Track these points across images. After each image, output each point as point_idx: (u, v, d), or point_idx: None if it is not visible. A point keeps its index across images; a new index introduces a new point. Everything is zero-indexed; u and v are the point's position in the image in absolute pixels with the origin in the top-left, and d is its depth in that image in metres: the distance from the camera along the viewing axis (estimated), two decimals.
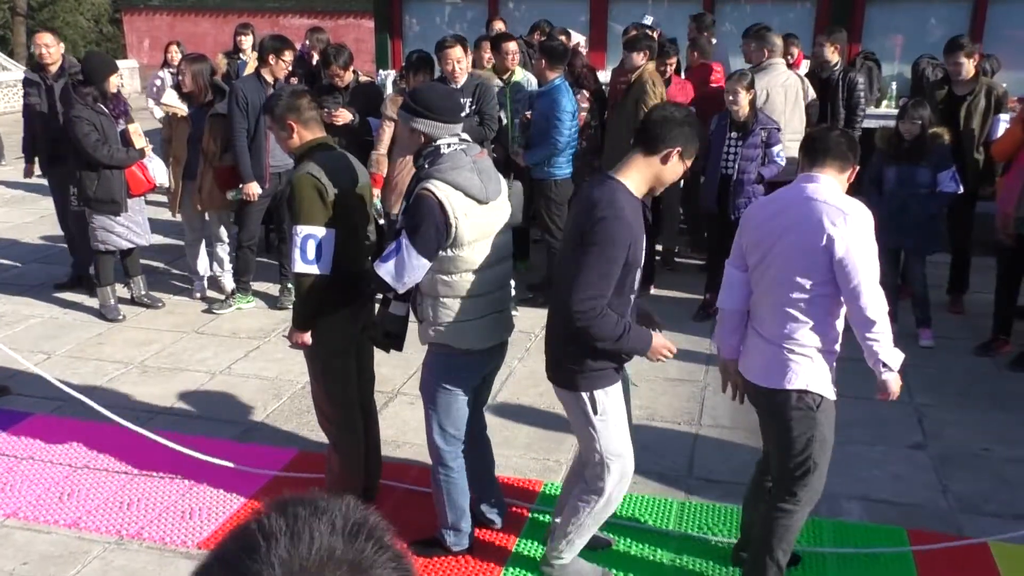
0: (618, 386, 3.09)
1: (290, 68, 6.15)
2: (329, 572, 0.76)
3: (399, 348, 3.43)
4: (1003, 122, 5.86)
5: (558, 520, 3.33)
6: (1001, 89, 6.12)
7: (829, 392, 2.95)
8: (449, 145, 3.12)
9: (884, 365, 2.87)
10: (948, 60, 6.03)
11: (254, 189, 6.00)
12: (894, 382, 2.92)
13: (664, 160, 2.90)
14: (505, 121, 6.28)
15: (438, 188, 3.03)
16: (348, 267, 3.44)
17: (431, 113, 3.12)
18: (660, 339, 3.02)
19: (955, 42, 5.99)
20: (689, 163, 2.97)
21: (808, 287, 2.83)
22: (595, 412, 3.04)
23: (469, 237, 3.08)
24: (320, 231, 3.30)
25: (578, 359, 3.00)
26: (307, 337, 3.48)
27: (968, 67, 5.94)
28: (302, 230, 3.29)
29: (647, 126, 2.93)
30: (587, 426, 3.08)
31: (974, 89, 5.97)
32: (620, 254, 2.82)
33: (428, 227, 3.00)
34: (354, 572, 0.77)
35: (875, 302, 2.80)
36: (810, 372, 2.90)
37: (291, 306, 3.68)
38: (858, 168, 3.03)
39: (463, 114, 5.88)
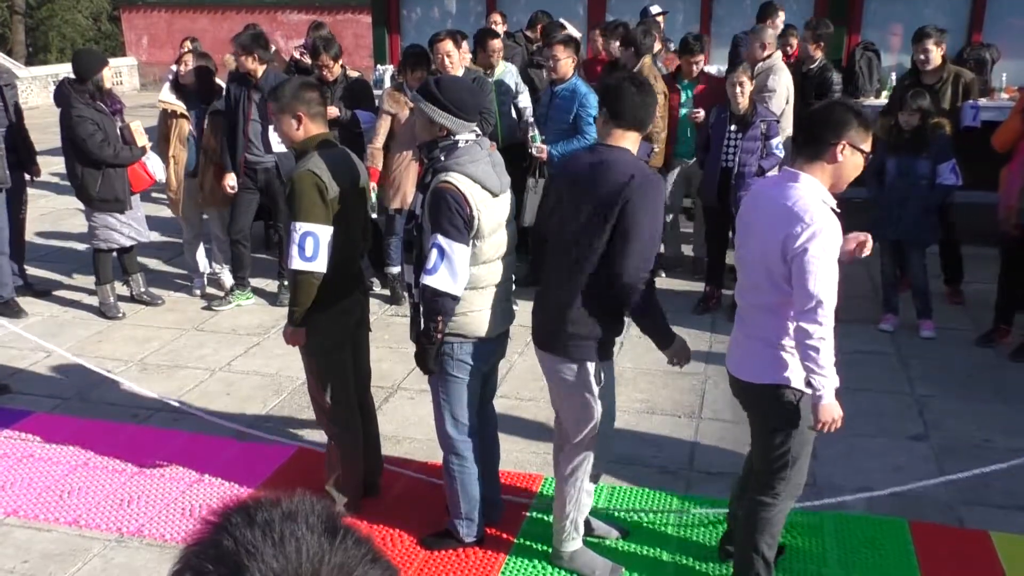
0: (611, 363, 3.19)
1: (257, 62, 5.96)
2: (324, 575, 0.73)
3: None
4: (971, 108, 5.91)
5: (554, 505, 3.37)
6: (969, 76, 6.15)
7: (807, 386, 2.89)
8: (466, 140, 3.14)
9: (810, 386, 2.74)
10: (916, 48, 6.04)
11: (228, 181, 6.03)
12: (824, 411, 2.72)
13: (640, 135, 3.12)
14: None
15: (459, 181, 3.04)
16: (344, 264, 3.43)
17: (458, 110, 3.11)
18: (682, 343, 3.13)
19: (923, 30, 6.01)
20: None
21: (777, 287, 2.78)
22: (599, 383, 3.10)
23: (487, 230, 3.10)
24: (319, 228, 3.29)
25: (585, 330, 3.05)
26: (302, 335, 3.48)
27: (936, 55, 5.97)
28: (301, 227, 3.28)
29: (628, 104, 3.08)
30: (584, 397, 3.12)
31: (942, 77, 6.01)
32: (663, 208, 3.05)
33: (456, 218, 3.01)
34: (344, 573, 0.75)
35: (813, 315, 2.65)
36: (789, 367, 2.85)
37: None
38: (846, 140, 2.71)
39: None
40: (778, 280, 2.75)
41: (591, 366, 3.08)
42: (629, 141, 3.07)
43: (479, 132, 3.23)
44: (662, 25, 7.49)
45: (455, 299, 3.06)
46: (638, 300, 2.99)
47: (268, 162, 6.10)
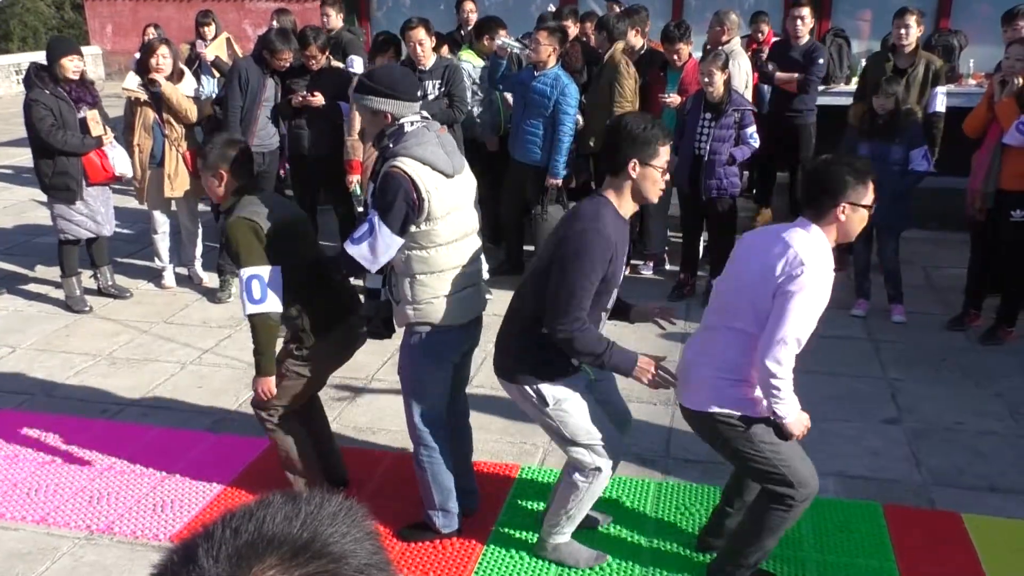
0: (572, 379, 3.09)
1: (286, 66, 6.08)
2: (269, 554, 0.73)
3: (393, 331, 3.42)
4: (940, 95, 6.08)
5: (555, 497, 3.32)
6: (939, 63, 6.24)
7: (751, 412, 2.89)
8: (412, 123, 3.10)
9: (775, 414, 2.82)
10: (896, 24, 6.17)
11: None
12: (792, 428, 2.84)
13: (628, 175, 2.92)
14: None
15: (407, 164, 3.01)
16: (321, 294, 3.44)
17: (395, 92, 3.08)
18: (644, 360, 2.97)
19: (904, 8, 6.20)
20: (659, 163, 2.92)
21: (755, 318, 2.78)
22: (546, 404, 3.05)
23: (440, 211, 3.07)
24: (263, 270, 3.26)
25: (523, 353, 3.04)
26: (272, 385, 3.44)
27: (914, 33, 6.13)
28: (245, 272, 3.26)
29: (604, 147, 3.05)
30: (543, 418, 3.11)
31: (914, 62, 6.13)
32: (599, 268, 2.85)
33: (399, 204, 2.99)
34: (296, 555, 0.73)
35: (776, 352, 2.69)
36: (729, 395, 2.87)
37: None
38: (844, 201, 2.75)
39: (432, 97, 5.81)
40: (760, 313, 2.76)
41: (530, 389, 3.04)
42: (612, 187, 2.97)
43: (425, 115, 3.19)
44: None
45: (368, 272, 3.15)
46: (574, 347, 2.89)
47: (273, 144, 6.26)
